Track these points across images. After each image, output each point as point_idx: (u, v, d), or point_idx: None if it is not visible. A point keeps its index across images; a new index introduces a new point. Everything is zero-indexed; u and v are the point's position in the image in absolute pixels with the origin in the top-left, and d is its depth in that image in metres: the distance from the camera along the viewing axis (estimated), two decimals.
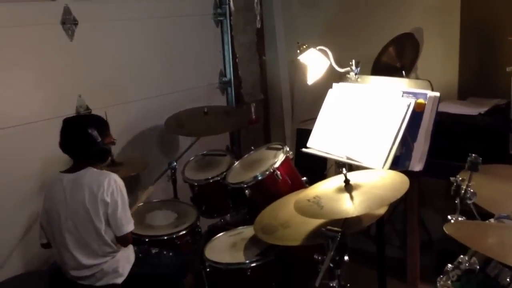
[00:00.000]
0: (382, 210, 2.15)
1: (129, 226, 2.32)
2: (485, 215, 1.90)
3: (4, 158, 2.74)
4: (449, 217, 1.87)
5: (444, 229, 1.54)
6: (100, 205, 2.24)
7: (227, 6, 3.91)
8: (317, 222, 2.13)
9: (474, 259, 1.63)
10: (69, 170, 2.34)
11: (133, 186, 3.26)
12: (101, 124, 2.39)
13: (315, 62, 2.73)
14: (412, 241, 3.00)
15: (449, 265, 1.71)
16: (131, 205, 2.80)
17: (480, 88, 3.16)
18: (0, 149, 2.72)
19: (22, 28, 2.77)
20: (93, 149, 2.29)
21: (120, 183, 2.31)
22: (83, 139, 2.29)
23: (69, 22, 2.97)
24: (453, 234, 1.48)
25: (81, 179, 2.27)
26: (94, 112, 3.07)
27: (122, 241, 2.33)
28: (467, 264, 1.62)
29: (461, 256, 1.66)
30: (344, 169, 2.15)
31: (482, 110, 2.83)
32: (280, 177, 2.68)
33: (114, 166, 2.84)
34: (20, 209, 2.80)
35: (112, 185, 2.26)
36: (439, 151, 2.42)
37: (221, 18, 3.95)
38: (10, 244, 2.79)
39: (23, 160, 2.81)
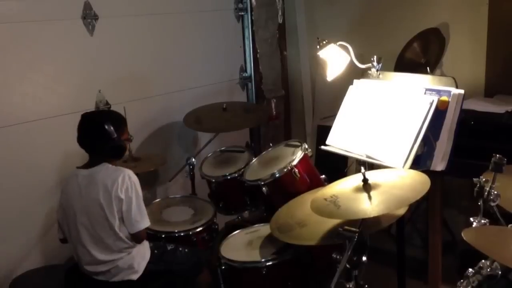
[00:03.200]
0: (401, 211, 2.09)
1: (143, 223, 2.31)
2: (510, 217, 1.83)
3: (25, 153, 2.78)
4: (471, 219, 1.81)
5: (463, 235, 1.47)
6: (115, 202, 2.23)
7: (248, 0, 3.88)
8: (334, 221, 2.08)
9: (496, 264, 1.57)
10: (85, 166, 2.34)
11: (151, 181, 3.26)
12: (118, 120, 2.39)
13: (335, 58, 2.68)
14: (434, 242, 2.92)
15: (470, 269, 1.65)
16: (147, 204, 2.81)
17: (508, 85, 3.08)
18: (20, 143, 2.76)
19: (43, 23, 2.80)
20: (109, 145, 2.29)
21: (135, 179, 2.30)
22: (100, 135, 2.29)
23: (89, 17, 2.98)
24: (472, 242, 1.41)
25: (96, 175, 2.27)
26: (113, 107, 3.08)
27: (136, 238, 2.32)
28: (488, 269, 1.56)
29: (483, 260, 1.59)
30: (362, 168, 2.10)
31: (509, 108, 2.75)
32: (298, 175, 2.63)
33: (132, 162, 2.84)
34: (41, 203, 2.83)
35: (127, 181, 2.25)
36: (463, 150, 2.34)
37: (242, 13, 3.92)
38: (30, 237, 2.83)
39: (43, 155, 2.84)
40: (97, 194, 2.24)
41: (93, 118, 2.37)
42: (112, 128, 2.28)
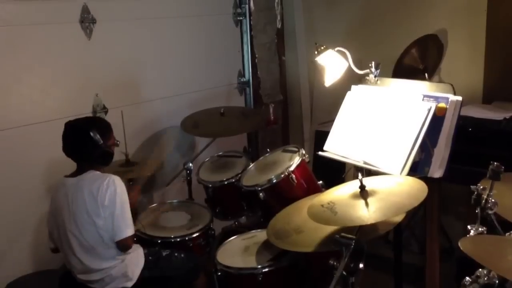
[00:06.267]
0: (399, 218, 2.08)
1: (127, 231, 2.26)
2: (507, 224, 1.82)
3: (21, 156, 2.76)
4: (468, 227, 1.80)
5: (460, 245, 1.46)
6: (101, 208, 2.21)
7: (247, 5, 3.88)
8: (331, 228, 2.07)
9: (493, 273, 1.56)
10: (73, 174, 2.32)
11: (148, 186, 3.25)
12: (103, 126, 2.36)
13: (333, 64, 2.67)
14: (432, 249, 2.91)
15: (467, 278, 1.64)
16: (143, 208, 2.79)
17: (506, 92, 3.07)
18: (17, 147, 2.74)
19: (41, 27, 2.79)
20: (95, 153, 2.27)
21: (119, 184, 2.26)
22: (85, 143, 2.26)
23: (87, 20, 2.97)
24: (469, 252, 1.40)
25: (83, 182, 2.25)
26: (110, 111, 3.08)
27: (121, 246, 2.28)
28: (485, 278, 1.55)
29: (480, 269, 1.58)
30: (360, 175, 2.09)
31: (507, 115, 2.74)
32: (295, 181, 2.63)
33: (129, 167, 2.83)
34: (36, 207, 2.81)
35: (111, 187, 2.22)
36: (461, 157, 2.34)
37: (241, 18, 3.92)
38: (24, 242, 2.81)
39: (40, 158, 2.83)
40: (84, 202, 2.21)
41: (78, 126, 2.32)
42: (98, 135, 2.26)
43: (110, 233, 2.25)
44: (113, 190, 2.22)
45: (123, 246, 2.28)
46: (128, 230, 2.27)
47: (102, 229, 2.23)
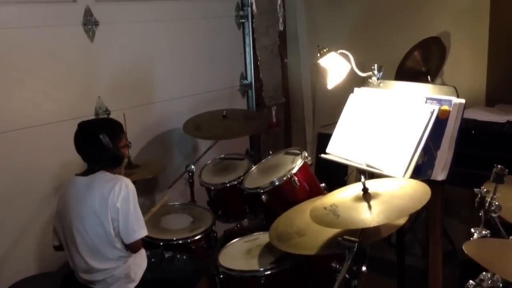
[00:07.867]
0: (402, 221, 2.07)
1: (140, 232, 2.28)
2: (511, 228, 1.81)
3: (23, 159, 2.76)
4: (472, 230, 1.79)
5: (464, 248, 1.45)
6: (110, 210, 2.21)
7: (249, 8, 3.88)
8: (333, 231, 2.07)
9: (497, 276, 1.55)
10: (84, 173, 2.32)
11: (150, 189, 3.25)
12: (114, 128, 2.36)
13: (335, 66, 2.67)
14: (435, 252, 2.90)
15: (471, 281, 1.63)
16: (145, 211, 2.80)
17: (509, 95, 3.07)
18: (19, 149, 2.74)
19: (43, 29, 2.79)
20: (105, 155, 2.27)
21: (132, 188, 2.27)
22: (95, 145, 2.26)
23: (90, 23, 2.98)
24: (473, 255, 1.39)
25: (93, 183, 2.25)
26: (113, 113, 3.08)
27: (132, 247, 2.30)
28: (489, 282, 1.54)
29: (483, 273, 1.57)
30: (362, 177, 2.08)
31: (511, 117, 2.73)
32: (298, 183, 2.62)
33: (131, 169, 2.83)
34: (38, 210, 2.82)
35: (124, 190, 2.23)
36: (464, 160, 2.33)
37: (243, 20, 3.93)
38: (26, 244, 2.81)
39: (42, 161, 2.83)
40: (93, 202, 2.22)
41: (88, 129, 2.32)
42: (107, 138, 2.25)
43: (117, 235, 2.25)
44: (126, 193, 2.23)
45: (135, 247, 2.31)
46: (141, 231, 2.29)
47: (108, 231, 2.23)
